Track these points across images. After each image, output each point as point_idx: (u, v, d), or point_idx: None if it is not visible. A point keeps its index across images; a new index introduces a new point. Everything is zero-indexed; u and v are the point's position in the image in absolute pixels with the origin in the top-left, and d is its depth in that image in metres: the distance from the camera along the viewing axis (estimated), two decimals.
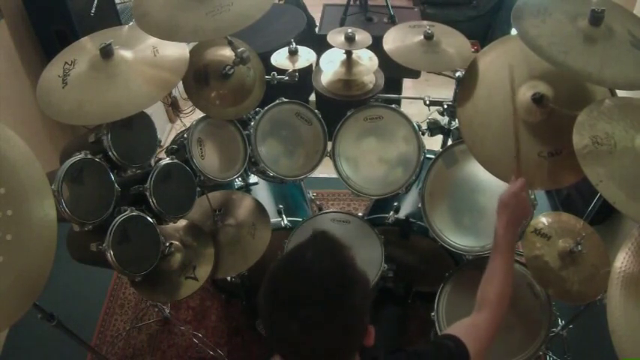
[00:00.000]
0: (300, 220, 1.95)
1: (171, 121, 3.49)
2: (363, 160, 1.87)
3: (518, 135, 1.32)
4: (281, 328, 0.80)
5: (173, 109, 3.42)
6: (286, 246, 1.81)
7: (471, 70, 1.51)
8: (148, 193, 1.48)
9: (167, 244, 1.58)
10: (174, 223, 1.67)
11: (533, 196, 1.57)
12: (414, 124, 1.83)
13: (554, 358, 1.93)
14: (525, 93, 1.35)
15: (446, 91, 1.97)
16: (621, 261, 1.18)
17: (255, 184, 2.12)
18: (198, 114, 1.71)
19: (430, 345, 1.02)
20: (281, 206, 2.01)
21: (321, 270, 0.80)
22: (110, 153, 1.41)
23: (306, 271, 0.80)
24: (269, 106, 1.86)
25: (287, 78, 1.87)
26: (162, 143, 1.64)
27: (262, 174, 1.91)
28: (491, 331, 1.09)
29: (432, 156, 1.76)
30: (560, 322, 1.86)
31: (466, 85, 1.50)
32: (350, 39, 1.87)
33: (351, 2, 3.08)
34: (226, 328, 2.26)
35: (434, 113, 1.92)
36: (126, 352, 2.19)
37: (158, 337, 2.24)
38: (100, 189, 1.40)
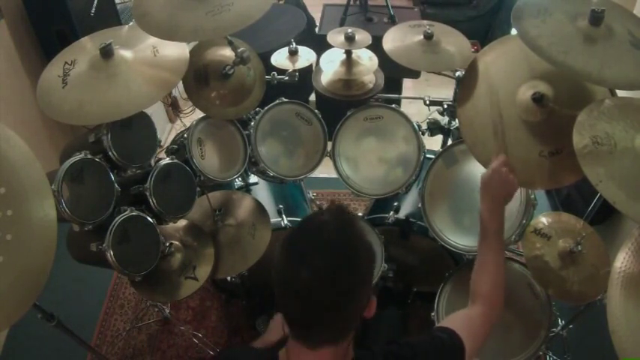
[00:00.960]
0: (300, 220, 1.94)
1: (171, 121, 3.50)
2: (363, 160, 1.87)
3: (500, 113, 1.33)
4: (292, 275, 0.83)
5: (173, 109, 3.42)
6: None
7: (471, 70, 1.51)
8: (148, 193, 1.48)
9: (167, 244, 1.58)
10: (174, 223, 1.67)
11: (533, 196, 1.57)
12: (414, 124, 1.83)
13: (554, 358, 1.93)
14: (525, 93, 1.35)
15: (446, 91, 1.97)
16: (621, 261, 1.18)
17: (255, 184, 2.12)
18: (198, 114, 1.71)
19: (424, 337, 1.02)
20: (281, 206, 2.01)
21: (336, 228, 0.85)
22: (110, 153, 1.41)
23: (323, 228, 0.85)
24: (269, 106, 1.86)
25: (287, 78, 1.87)
26: (162, 143, 1.64)
27: (262, 174, 1.91)
28: (487, 324, 1.09)
29: (432, 156, 1.76)
30: (560, 322, 1.86)
31: (466, 85, 1.50)
32: (350, 39, 1.87)
33: (351, 2, 3.08)
34: (226, 328, 2.26)
35: (434, 113, 1.92)
36: (126, 352, 2.19)
37: (158, 337, 2.24)
38: (100, 189, 1.40)
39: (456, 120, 1.76)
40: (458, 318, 1.11)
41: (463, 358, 0.99)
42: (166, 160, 1.57)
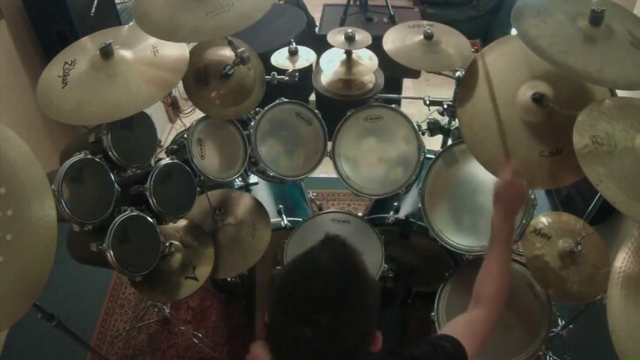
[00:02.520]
0: (300, 220, 1.95)
1: (171, 121, 3.49)
2: (363, 160, 1.87)
3: (501, 120, 1.33)
4: (293, 334, 0.77)
5: (173, 109, 3.42)
6: (286, 246, 1.81)
7: (471, 70, 1.51)
8: (148, 193, 1.48)
9: (167, 244, 1.58)
10: (174, 223, 1.67)
11: (533, 196, 1.57)
12: (414, 124, 1.83)
13: (554, 358, 1.92)
14: (525, 93, 1.35)
15: (446, 91, 1.97)
16: (621, 261, 1.18)
17: (255, 184, 2.12)
18: (198, 114, 1.71)
19: (427, 346, 1.00)
20: (281, 206, 2.01)
21: (339, 272, 0.79)
22: (110, 153, 1.41)
23: (324, 274, 0.79)
24: (269, 106, 1.86)
25: (287, 78, 1.87)
26: (162, 143, 1.64)
27: (262, 174, 1.91)
28: (488, 328, 1.09)
29: (432, 156, 1.76)
30: (560, 322, 1.86)
31: (466, 85, 1.50)
32: (350, 39, 1.87)
33: (351, 2, 3.08)
34: (226, 328, 2.26)
35: (434, 113, 1.92)
36: (126, 352, 2.19)
37: (158, 337, 2.24)
38: (100, 189, 1.40)
39: (456, 120, 1.76)
40: (459, 324, 1.10)
41: None
42: (166, 160, 1.57)
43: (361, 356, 0.83)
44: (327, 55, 1.97)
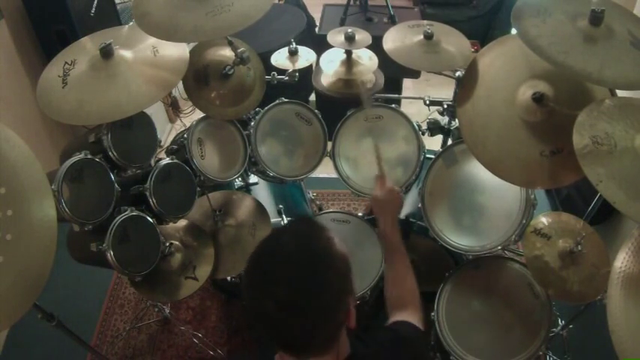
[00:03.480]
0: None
1: (171, 121, 3.49)
2: (363, 160, 1.86)
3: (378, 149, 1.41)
4: (258, 308, 0.81)
5: (173, 109, 3.42)
6: None
7: (471, 69, 1.51)
8: (148, 193, 1.48)
9: (167, 244, 1.58)
10: (174, 223, 1.67)
11: (533, 196, 1.57)
12: (414, 124, 1.83)
13: (554, 358, 1.92)
14: (525, 93, 1.35)
15: (446, 91, 1.97)
16: (621, 261, 1.18)
17: (255, 184, 2.12)
18: (198, 114, 1.72)
19: (385, 330, 1.06)
20: (281, 206, 2.01)
21: (294, 249, 0.82)
22: (110, 153, 1.41)
23: (279, 252, 0.83)
24: (269, 106, 1.86)
25: (287, 78, 1.87)
26: (162, 143, 1.64)
27: (262, 174, 1.91)
28: (420, 322, 1.11)
29: (432, 156, 1.76)
30: (560, 322, 1.86)
31: (466, 85, 1.50)
32: (350, 39, 1.87)
33: (351, 2, 3.08)
34: (226, 328, 2.26)
35: (434, 113, 1.92)
36: (126, 352, 2.19)
37: (158, 337, 2.24)
38: (100, 189, 1.40)
39: (456, 120, 1.76)
40: (401, 316, 1.12)
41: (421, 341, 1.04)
42: (166, 160, 1.57)
43: (332, 330, 0.85)
44: (327, 55, 1.97)
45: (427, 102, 1.86)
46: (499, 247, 1.57)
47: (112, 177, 1.42)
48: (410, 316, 1.11)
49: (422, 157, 1.79)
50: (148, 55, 1.48)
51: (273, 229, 0.90)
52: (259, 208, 1.84)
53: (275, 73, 1.86)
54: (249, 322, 0.86)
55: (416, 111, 2.21)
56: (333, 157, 1.86)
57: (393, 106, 1.88)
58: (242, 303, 2.23)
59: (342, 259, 0.85)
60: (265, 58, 1.90)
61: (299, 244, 0.83)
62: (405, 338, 1.03)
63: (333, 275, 0.82)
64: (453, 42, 1.68)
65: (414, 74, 3.08)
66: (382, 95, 1.95)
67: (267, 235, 0.89)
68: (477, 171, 1.60)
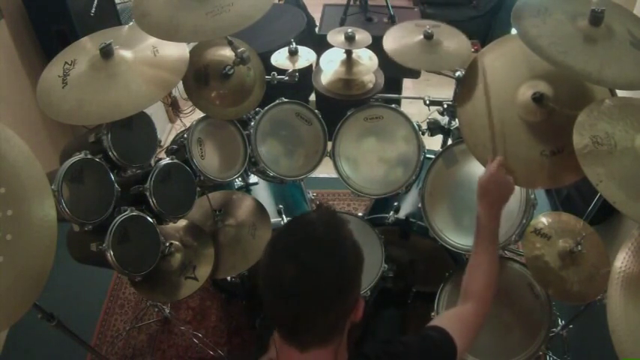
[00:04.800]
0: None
1: (171, 121, 3.49)
2: (363, 160, 1.87)
3: (492, 114, 1.33)
4: (279, 272, 0.82)
5: (173, 109, 3.42)
6: None
7: (471, 69, 1.51)
8: (148, 193, 1.48)
9: (167, 244, 1.58)
10: (174, 223, 1.67)
11: (533, 196, 1.57)
12: (414, 124, 1.83)
13: (554, 358, 1.92)
14: (525, 93, 1.35)
15: (446, 91, 1.97)
16: (621, 261, 1.18)
17: (255, 184, 2.12)
18: (198, 114, 1.71)
19: (416, 336, 1.02)
20: (281, 206, 2.01)
21: (324, 226, 0.85)
22: (110, 153, 1.41)
23: (310, 225, 0.85)
24: (269, 106, 1.86)
25: (287, 78, 1.87)
26: (162, 143, 1.64)
27: (262, 174, 1.91)
28: (477, 323, 1.09)
29: (432, 156, 1.76)
30: (560, 322, 1.86)
31: (466, 85, 1.50)
32: (350, 38, 1.87)
33: (351, 2, 3.08)
34: (226, 328, 2.26)
35: (434, 113, 1.92)
36: (126, 352, 2.19)
37: (158, 337, 2.24)
38: (100, 189, 1.40)
39: (456, 120, 1.76)
40: (449, 316, 1.12)
41: (454, 356, 0.99)
42: (166, 160, 1.57)
43: (341, 312, 0.86)
44: (327, 55, 1.97)
45: (427, 102, 1.86)
46: (499, 247, 1.57)
47: (112, 177, 1.42)
48: (466, 308, 1.10)
49: (422, 157, 1.79)
50: (148, 55, 1.48)
51: (301, 213, 0.93)
52: (259, 208, 1.84)
53: (275, 73, 1.86)
54: (263, 297, 0.86)
55: (416, 111, 2.21)
56: (333, 157, 1.86)
57: (393, 106, 1.88)
58: (242, 302, 2.23)
59: (359, 250, 0.88)
60: (265, 58, 1.89)
61: (327, 223, 0.86)
62: (420, 351, 0.99)
63: (353, 260, 0.86)
64: (454, 42, 1.68)
65: (414, 74, 3.08)
66: (382, 95, 1.95)
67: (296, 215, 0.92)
68: (477, 171, 1.59)
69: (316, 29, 3.15)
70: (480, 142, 1.42)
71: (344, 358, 0.92)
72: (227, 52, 1.65)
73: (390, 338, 1.01)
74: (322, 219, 0.86)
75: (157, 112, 3.15)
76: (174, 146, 1.68)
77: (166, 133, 3.37)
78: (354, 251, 0.86)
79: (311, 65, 2.02)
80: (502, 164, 1.25)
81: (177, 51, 1.51)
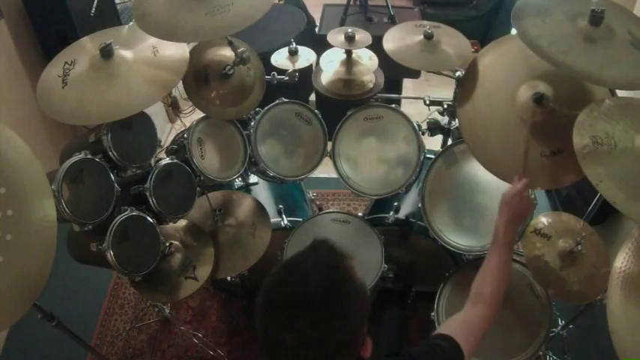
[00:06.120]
0: (300, 220, 1.95)
1: (171, 121, 3.49)
2: (363, 160, 1.87)
3: (529, 138, 1.33)
4: (277, 339, 0.78)
5: (173, 109, 3.42)
6: (286, 246, 1.81)
7: (471, 70, 1.51)
8: (148, 193, 1.48)
9: (167, 244, 1.58)
10: (174, 223, 1.67)
11: (533, 196, 1.57)
12: (414, 124, 1.83)
13: (554, 358, 1.92)
14: (525, 93, 1.35)
15: (446, 91, 1.97)
16: (621, 261, 1.18)
17: (255, 184, 2.12)
18: (198, 114, 1.71)
19: (424, 346, 1.01)
20: (281, 206, 2.01)
21: (321, 277, 0.79)
22: (110, 153, 1.41)
23: (302, 282, 0.79)
24: (269, 106, 1.86)
25: (287, 78, 1.87)
26: (162, 143, 1.64)
27: (262, 174, 1.91)
28: (484, 327, 1.09)
29: (432, 156, 1.76)
30: (560, 322, 1.86)
31: (466, 85, 1.50)
32: (350, 38, 1.87)
33: (351, 2, 3.08)
34: (226, 328, 2.26)
35: (434, 113, 1.92)
36: (126, 352, 2.19)
37: (158, 337, 2.24)
38: (100, 189, 1.40)
39: (456, 120, 1.76)
40: (456, 322, 1.11)
41: None
42: (166, 160, 1.57)
43: (350, 358, 0.83)
44: (327, 55, 1.97)
45: (427, 102, 1.86)
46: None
47: (112, 177, 1.42)
48: (473, 312, 1.11)
49: (422, 157, 1.79)
50: (148, 55, 1.48)
51: (295, 254, 0.86)
52: (259, 208, 1.84)
53: (275, 73, 1.86)
54: (261, 346, 0.82)
55: (416, 111, 2.22)
56: (333, 157, 1.86)
57: (393, 106, 1.88)
58: (242, 302, 2.23)
59: (363, 289, 0.83)
60: (265, 58, 1.90)
61: (323, 274, 0.80)
62: None
63: (355, 306, 0.81)
64: (453, 42, 1.68)
65: (414, 74, 3.07)
66: (382, 95, 1.95)
67: (287, 259, 0.86)
68: (477, 171, 1.60)
69: (316, 29, 3.15)
70: (480, 142, 1.42)
71: None
72: (227, 52, 1.65)
73: (397, 350, 1.00)
74: (318, 269, 0.81)
75: (157, 112, 3.15)
76: (174, 146, 1.68)
77: (166, 133, 3.37)
78: (356, 297, 0.82)
79: (311, 65, 2.02)
80: (528, 185, 1.27)
81: (177, 51, 1.51)
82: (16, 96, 2.36)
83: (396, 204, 1.97)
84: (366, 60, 1.95)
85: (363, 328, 0.84)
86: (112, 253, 1.35)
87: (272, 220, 1.83)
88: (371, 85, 1.97)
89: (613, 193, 1.06)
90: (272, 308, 0.80)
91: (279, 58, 2.00)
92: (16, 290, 1.04)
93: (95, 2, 2.44)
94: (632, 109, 1.18)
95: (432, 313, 1.62)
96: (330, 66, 1.94)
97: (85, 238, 1.39)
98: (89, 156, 1.36)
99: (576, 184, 1.30)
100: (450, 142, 1.95)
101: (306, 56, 2.01)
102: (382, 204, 2.03)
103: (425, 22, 1.73)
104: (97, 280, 2.44)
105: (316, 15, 3.28)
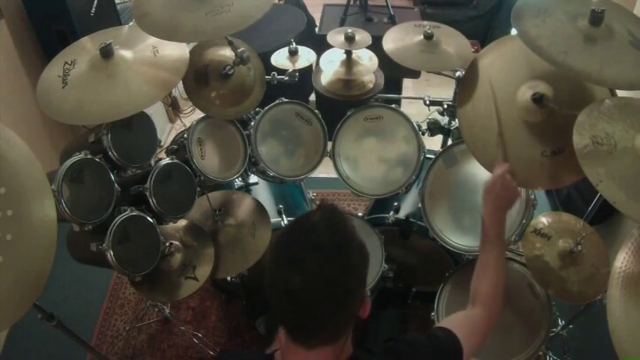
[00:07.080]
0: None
1: (171, 121, 3.50)
2: (363, 160, 1.87)
3: (500, 120, 1.32)
4: (285, 280, 0.82)
5: (173, 109, 3.42)
6: None
7: (471, 70, 1.51)
8: (148, 193, 1.48)
9: (167, 244, 1.58)
10: (174, 223, 1.67)
11: (533, 196, 1.57)
12: (414, 124, 1.83)
13: (554, 358, 1.92)
14: (525, 93, 1.35)
15: (446, 91, 1.97)
16: (621, 261, 1.18)
17: (255, 184, 2.12)
18: (198, 114, 1.71)
19: (422, 335, 1.02)
20: (281, 206, 2.01)
21: (327, 229, 0.84)
22: (110, 153, 1.41)
23: (313, 230, 0.84)
24: (269, 106, 1.86)
25: (287, 78, 1.87)
26: (162, 143, 1.64)
27: (262, 174, 1.91)
28: (486, 326, 1.09)
29: (432, 156, 1.76)
30: (560, 322, 1.86)
31: (466, 85, 1.50)
32: (350, 39, 1.87)
33: (351, 2, 3.08)
34: (226, 328, 2.26)
35: (434, 113, 1.92)
36: (126, 352, 2.19)
37: (158, 337, 2.24)
38: (100, 189, 1.40)
39: (456, 120, 1.76)
40: (457, 319, 1.11)
41: (460, 358, 0.98)
42: (166, 160, 1.57)
43: (349, 314, 0.86)
44: (327, 55, 1.97)
45: (427, 102, 1.86)
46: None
47: (112, 177, 1.42)
48: (473, 312, 1.10)
49: (422, 157, 1.79)
50: (148, 55, 1.48)
51: (303, 213, 0.94)
52: (259, 208, 1.84)
53: (275, 73, 1.86)
54: (269, 299, 0.86)
55: (416, 111, 2.22)
56: (333, 157, 1.86)
57: (393, 106, 1.88)
58: (242, 302, 2.23)
59: (364, 249, 0.88)
60: (265, 58, 1.89)
61: (330, 224, 0.85)
62: (425, 349, 0.98)
63: (358, 260, 0.86)
64: (453, 42, 1.68)
65: (414, 74, 3.07)
66: (382, 95, 1.95)
67: (296, 217, 0.92)
68: (477, 171, 1.60)
69: (316, 29, 3.15)
70: (480, 142, 1.42)
71: (349, 352, 0.92)
72: (227, 52, 1.65)
73: (395, 336, 1.01)
74: (325, 221, 0.85)
75: (157, 112, 3.16)
76: (174, 146, 1.68)
77: (166, 133, 3.37)
78: (359, 251, 0.86)
79: (311, 65, 2.02)
80: (508, 169, 1.24)
81: (177, 51, 1.51)
82: (16, 96, 2.36)
83: (396, 204, 1.97)
84: (366, 60, 1.95)
85: (363, 286, 0.88)
86: (112, 253, 1.35)
87: (272, 220, 1.82)
88: (371, 86, 1.97)
89: (613, 193, 1.06)
90: (281, 254, 0.85)
91: (279, 58, 2.00)
92: (16, 290, 1.04)
93: (95, 2, 2.44)
94: (632, 109, 1.18)
95: (432, 313, 1.62)
96: (330, 66, 1.94)
97: (85, 238, 1.39)
98: (89, 156, 1.36)
99: (576, 184, 1.30)
100: (450, 142, 1.95)
101: (306, 56, 2.01)
102: (382, 204, 2.03)
103: (425, 22, 1.73)
104: (97, 280, 2.45)
105: (316, 15, 3.28)
